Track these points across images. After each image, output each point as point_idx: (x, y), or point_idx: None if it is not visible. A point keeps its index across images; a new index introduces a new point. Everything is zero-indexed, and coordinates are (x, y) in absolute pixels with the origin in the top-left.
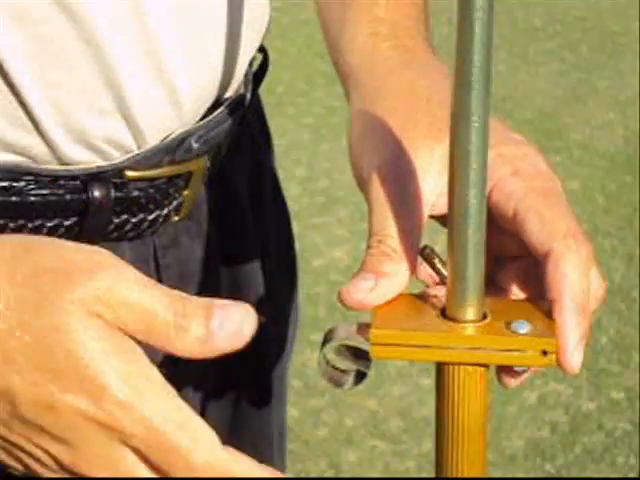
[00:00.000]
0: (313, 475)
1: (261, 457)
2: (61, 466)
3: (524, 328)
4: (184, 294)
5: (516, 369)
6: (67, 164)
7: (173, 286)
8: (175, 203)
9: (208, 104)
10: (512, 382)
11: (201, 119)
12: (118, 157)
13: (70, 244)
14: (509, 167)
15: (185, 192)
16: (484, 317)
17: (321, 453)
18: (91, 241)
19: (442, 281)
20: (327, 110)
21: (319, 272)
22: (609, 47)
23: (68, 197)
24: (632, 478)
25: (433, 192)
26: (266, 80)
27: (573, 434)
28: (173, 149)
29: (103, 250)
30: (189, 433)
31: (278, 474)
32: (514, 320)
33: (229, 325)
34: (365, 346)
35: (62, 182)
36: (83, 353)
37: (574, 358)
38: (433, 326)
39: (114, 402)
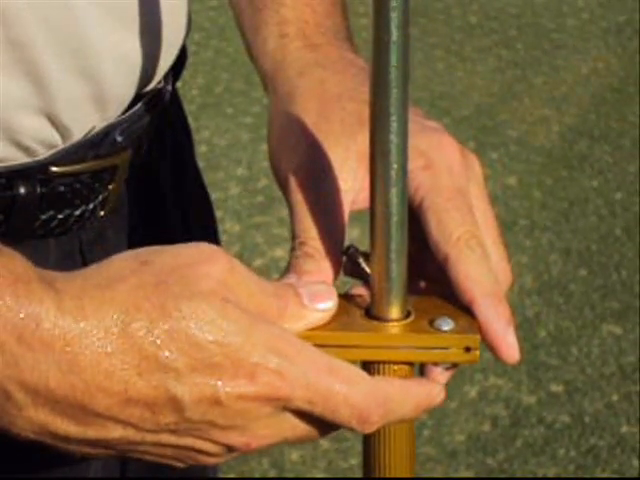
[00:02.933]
0: (257, 475)
1: None
2: (230, 450)
3: (447, 325)
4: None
5: (441, 366)
6: None
7: None
8: (101, 197)
9: (131, 98)
10: (441, 378)
11: (124, 112)
12: (43, 153)
13: (172, 246)
14: (421, 160)
15: (110, 186)
16: (408, 315)
17: (264, 452)
18: (17, 238)
19: (366, 280)
20: (266, 109)
21: (260, 272)
22: (544, 44)
23: None
24: (573, 478)
25: (352, 189)
26: (205, 80)
27: (514, 428)
28: (97, 143)
29: (200, 242)
30: (339, 374)
31: (433, 389)
32: (437, 317)
33: (318, 299)
34: None
35: None
36: (229, 339)
37: (510, 347)
38: (358, 326)
39: (269, 374)
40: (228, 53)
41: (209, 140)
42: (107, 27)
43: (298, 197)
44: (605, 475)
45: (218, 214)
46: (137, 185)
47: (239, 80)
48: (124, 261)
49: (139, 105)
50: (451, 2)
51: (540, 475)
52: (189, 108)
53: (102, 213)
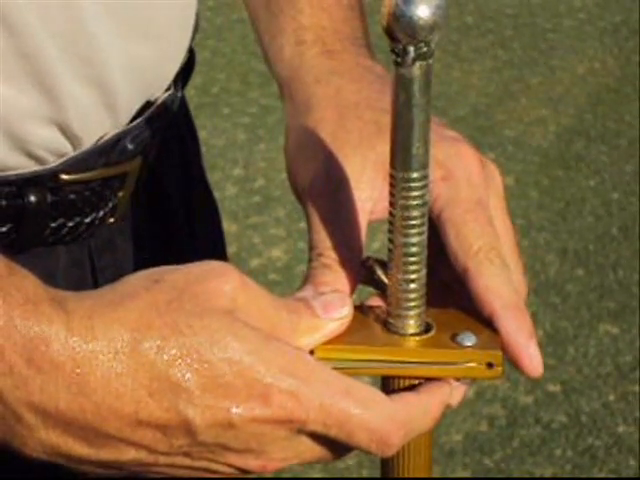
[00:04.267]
0: (254, 476)
1: None
2: (246, 472)
3: (469, 340)
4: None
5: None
6: (1, 170)
7: None
8: (111, 205)
9: (141, 105)
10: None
11: (134, 119)
12: (53, 161)
13: (184, 265)
14: (440, 171)
15: (120, 193)
16: (429, 329)
17: None
18: (27, 246)
19: (385, 291)
20: (263, 109)
21: (257, 272)
22: (541, 44)
23: (3, 203)
24: (570, 478)
25: (370, 199)
26: (201, 80)
27: (511, 428)
28: (108, 151)
29: (211, 261)
30: (356, 397)
31: (444, 393)
32: (459, 332)
33: (332, 309)
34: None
35: None
36: (240, 358)
37: (533, 360)
38: (378, 340)
39: (282, 395)
40: (225, 53)
41: (206, 140)
42: (117, 35)
43: (315, 208)
44: (602, 475)
45: None
46: (146, 192)
47: (236, 80)
48: (137, 280)
49: (149, 112)
50: (447, 2)
51: (537, 475)
52: None
53: (112, 220)
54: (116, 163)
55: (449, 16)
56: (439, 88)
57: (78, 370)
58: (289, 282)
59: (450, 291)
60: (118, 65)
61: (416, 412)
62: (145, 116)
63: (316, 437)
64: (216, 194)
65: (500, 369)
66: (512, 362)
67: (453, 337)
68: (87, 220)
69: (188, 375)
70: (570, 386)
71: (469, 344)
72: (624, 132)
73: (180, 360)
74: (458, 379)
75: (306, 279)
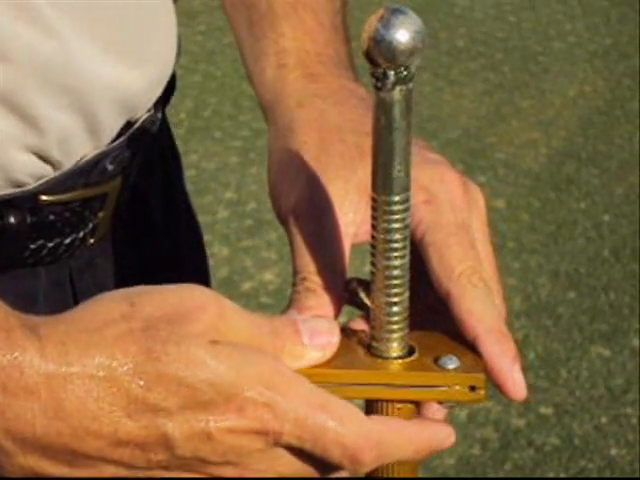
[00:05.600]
0: None
1: None
2: None
3: (452, 363)
4: (262, 314)
5: (444, 405)
6: None
7: None
8: (91, 225)
9: (121, 126)
10: (438, 414)
11: (114, 140)
12: (33, 183)
13: (162, 287)
14: (423, 194)
15: (100, 214)
16: (412, 352)
17: None
18: (7, 267)
19: (368, 315)
20: (254, 133)
21: (249, 295)
22: (531, 67)
23: None
24: None
25: (353, 222)
26: (193, 104)
27: (503, 451)
28: (88, 172)
29: (191, 285)
30: (332, 412)
31: (439, 432)
32: (442, 355)
33: (318, 338)
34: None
35: None
36: (220, 377)
37: (516, 384)
38: (360, 363)
39: (258, 407)
40: (216, 77)
41: (197, 164)
42: (98, 60)
43: (299, 232)
44: None
45: (206, 237)
46: (126, 212)
47: (227, 104)
48: (112, 302)
49: (130, 133)
50: (438, 26)
51: None
52: (177, 132)
53: (92, 241)
54: (96, 184)
55: (440, 39)
56: (430, 111)
57: (53, 395)
58: (281, 305)
59: (433, 314)
60: (100, 91)
61: (392, 435)
62: (125, 137)
63: (293, 451)
64: (208, 217)
65: (482, 392)
66: (496, 386)
67: (436, 360)
68: (67, 241)
69: (166, 396)
70: (562, 409)
71: (452, 367)
72: (615, 154)
73: (157, 386)
74: (441, 402)
75: (290, 303)
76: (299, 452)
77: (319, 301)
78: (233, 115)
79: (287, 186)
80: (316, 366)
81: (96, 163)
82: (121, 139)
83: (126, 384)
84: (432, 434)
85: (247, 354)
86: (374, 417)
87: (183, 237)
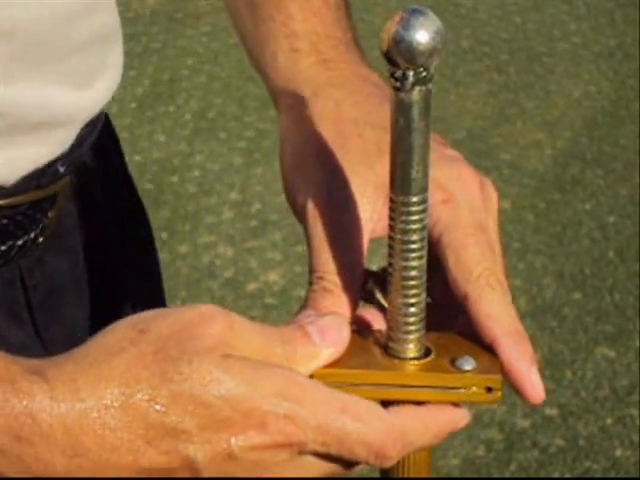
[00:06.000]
0: None
1: None
2: None
3: (469, 365)
4: (267, 325)
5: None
6: None
7: (43, 304)
8: (41, 225)
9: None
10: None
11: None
12: None
13: (168, 310)
14: (441, 193)
15: (50, 214)
16: (429, 353)
17: None
18: None
19: (385, 315)
20: (259, 133)
21: (254, 296)
22: (536, 68)
23: None
24: None
25: (371, 219)
26: (198, 105)
27: (508, 452)
28: (39, 175)
29: (197, 304)
30: (352, 413)
31: (455, 415)
32: (458, 356)
33: (328, 335)
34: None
35: None
36: (235, 391)
37: (535, 387)
38: (377, 364)
39: (279, 420)
40: (221, 78)
41: (202, 165)
42: (52, 88)
43: (317, 229)
44: None
45: (211, 238)
46: (72, 207)
47: (232, 105)
48: (121, 332)
49: (80, 133)
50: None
51: None
52: (182, 133)
53: (41, 239)
54: (47, 185)
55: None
56: (435, 112)
57: (69, 434)
58: (286, 306)
59: (443, 312)
60: (56, 115)
61: (413, 425)
62: (76, 138)
63: (319, 455)
64: (213, 218)
65: (499, 393)
66: (514, 389)
67: (452, 361)
68: (19, 243)
69: (183, 418)
70: (567, 410)
71: (468, 368)
72: (620, 155)
73: (173, 407)
74: (457, 404)
75: (306, 302)
76: (324, 455)
77: (336, 302)
78: (238, 116)
79: (303, 181)
80: (332, 366)
81: (49, 166)
82: (72, 141)
83: (143, 410)
84: (448, 417)
85: (259, 367)
86: (392, 409)
87: (130, 226)
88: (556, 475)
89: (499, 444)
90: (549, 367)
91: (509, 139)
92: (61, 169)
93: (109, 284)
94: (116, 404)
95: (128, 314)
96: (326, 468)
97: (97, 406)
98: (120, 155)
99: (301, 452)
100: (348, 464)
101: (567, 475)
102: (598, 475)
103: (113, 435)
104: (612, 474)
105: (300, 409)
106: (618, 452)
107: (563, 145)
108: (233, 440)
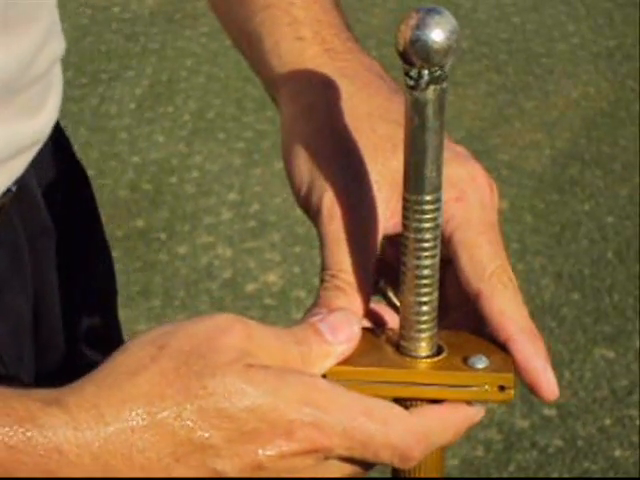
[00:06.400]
0: None
1: None
2: None
3: (481, 363)
4: (281, 328)
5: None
6: None
7: None
8: None
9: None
10: None
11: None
12: None
13: (185, 322)
14: (454, 191)
15: None
16: (441, 351)
17: None
18: None
19: (397, 311)
20: (258, 134)
21: (253, 296)
22: (535, 68)
23: None
24: None
25: (384, 216)
26: (196, 106)
27: (507, 452)
28: None
29: (211, 315)
30: (376, 417)
31: (469, 411)
32: (471, 355)
33: (340, 332)
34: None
35: None
36: (260, 402)
37: (550, 384)
38: (390, 362)
39: (305, 428)
40: (220, 78)
41: (201, 165)
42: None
43: (332, 227)
44: None
45: (210, 239)
46: (18, 205)
47: (231, 105)
48: (140, 349)
49: (33, 157)
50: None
51: None
52: (181, 133)
53: None
54: None
55: None
56: None
57: (97, 459)
58: (284, 307)
59: (448, 310)
60: (7, 145)
61: (435, 425)
62: (30, 162)
63: (343, 458)
64: (211, 219)
65: (512, 392)
66: (529, 386)
67: (465, 360)
68: None
69: (211, 433)
70: (566, 410)
71: (481, 367)
72: (618, 156)
73: (200, 422)
74: (469, 402)
75: (318, 300)
76: (348, 458)
77: (349, 301)
78: (237, 116)
79: (317, 177)
80: (345, 364)
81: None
82: (26, 166)
83: (169, 428)
84: (465, 413)
85: (282, 375)
86: (413, 410)
87: (78, 219)
88: (555, 475)
89: (498, 444)
90: None
91: (508, 139)
92: (13, 188)
93: (52, 279)
94: (142, 425)
95: (77, 310)
96: (349, 470)
97: (123, 429)
98: (65, 152)
99: (327, 457)
100: (369, 465)
101: (566, 475)
102: (597, 475)
103: (142, 456)
104: (611, 474)
105: (325, 415)
106: (617, 452)
107: (562, 146)
108: (261, 451)
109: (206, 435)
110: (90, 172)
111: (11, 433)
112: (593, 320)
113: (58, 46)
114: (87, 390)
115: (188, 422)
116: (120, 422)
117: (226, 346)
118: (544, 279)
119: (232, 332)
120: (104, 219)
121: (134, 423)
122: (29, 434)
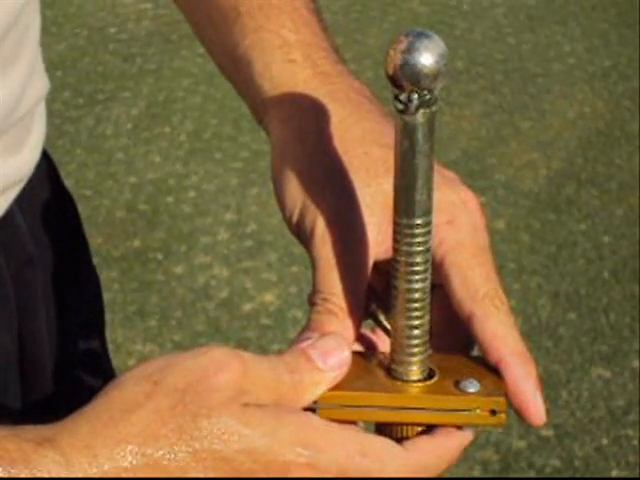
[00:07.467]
0: None
1: None
2: None
3: (473, 387)
4: (273, 356)
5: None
6: None
7: None
8: None
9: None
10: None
11: None
12: None
13: (180, 356)
14: (445, 215)
15: None
16: (432, 375)
17: None
18: None
19: (389, 337)
20: (254, 154)
21: (249, 316)
22: (531, 88)
23: None
24: None
25: (375, 241)
26: (193, 126)
27: (504, 473)
28: None
29: (209, 346)
30: (372, 455)
31: (462, 436)
32: (463, 379)
33: (331, 358)
34: None
35: None
36: (257, 444)
37: (538, 409)
38: (381, 386)
39: (300, 469)
40: (216, 99)
41: (198, 185)
42: None
43: (324, 251)
44: None
45: (207, 259)
46: (1, 244)
47: (227, 125)
48: (135, 384)
49: (16, 193)
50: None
51: None
52: (177, 153)
53: None
54: None
55: None
56: None
57: None
58: (281, 327)
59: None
60: None
61: (432, 458)
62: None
63: None
64: (208, 239)
65: (503, 416)
66: (517, 410)
67: (456, 383)
68: None
69: (206, 474)
70: (563, 430)
71: (472, 391)
72: (614, 176)
73: (194, 464)
74: (461, 426)
75: (310, 323)
76: None
77: (340, 324)
78: (233, 136)
79: (309, 201)
80: (336, 389)
81: None
82: (10, 202)
83: (162, 468)
84: (459, 440)
85: (277, 415)
86: (407, 444)
87: (58, 248)
88: None
89: (495, 465)
90: (545, 387)
91: (504, 159)
92: None
93: (31, 303)
94: (135, 465)
95: (64, 336)
96: None
97: (116, 469)
98: (47, 175)
99: None
100: None
101: None
102: None
103: None
104: None
105: (320, 455)
106: (614, 472)
107: (558, 165)
108: None
109: (200, 476)
110: (86, 192)
111: (5, 475)
112: (590, 340)
113: (43, 85)
114: (81, 428)
115: (182, 463)
116: (113, 463)
117: (222, 384)
118: (541, 299)
119: (228, 369)
120: (100, 239)
121: (127, 464)
122: (22, 476)
